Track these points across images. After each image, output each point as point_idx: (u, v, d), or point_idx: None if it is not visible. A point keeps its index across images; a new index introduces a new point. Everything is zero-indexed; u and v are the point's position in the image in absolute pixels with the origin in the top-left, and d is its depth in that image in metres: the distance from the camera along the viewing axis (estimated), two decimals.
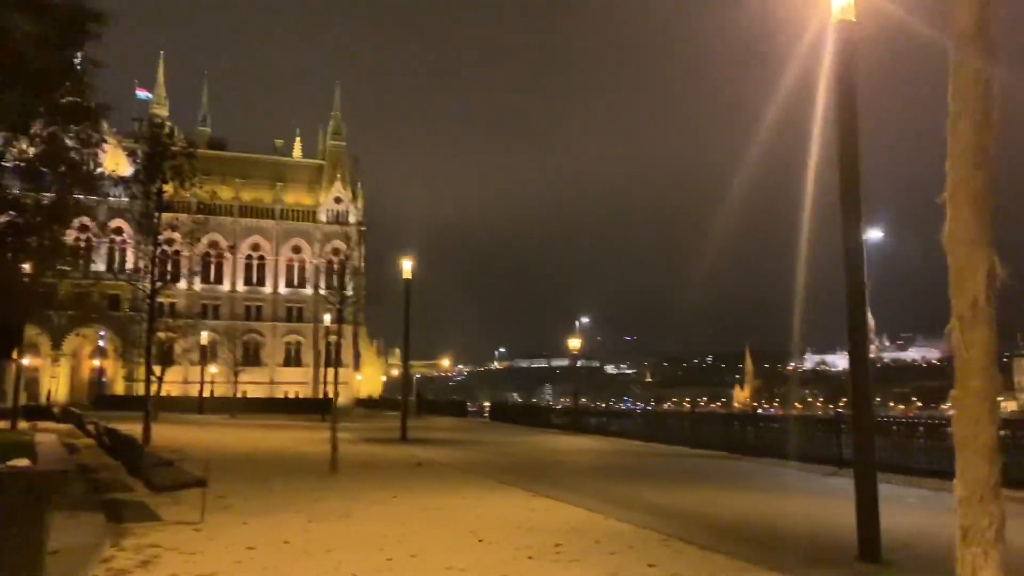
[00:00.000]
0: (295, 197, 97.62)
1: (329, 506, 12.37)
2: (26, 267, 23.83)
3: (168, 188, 25.07)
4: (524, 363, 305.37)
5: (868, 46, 10.53)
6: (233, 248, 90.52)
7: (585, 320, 76.60)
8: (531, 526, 10.82)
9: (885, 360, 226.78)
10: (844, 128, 9.27)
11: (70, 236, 25.41)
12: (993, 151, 2.53)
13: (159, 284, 25.53)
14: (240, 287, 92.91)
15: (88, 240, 76.83)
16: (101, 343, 79.76)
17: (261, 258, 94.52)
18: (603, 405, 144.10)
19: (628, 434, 33.41)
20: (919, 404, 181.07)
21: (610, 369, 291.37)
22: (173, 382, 72.33)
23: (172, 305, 77.28)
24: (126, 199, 27.58)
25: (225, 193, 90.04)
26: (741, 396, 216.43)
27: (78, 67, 16.50)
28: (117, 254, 79.67)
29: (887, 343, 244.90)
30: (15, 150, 15.56)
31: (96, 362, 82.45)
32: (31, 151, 15.71)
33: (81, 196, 22.04)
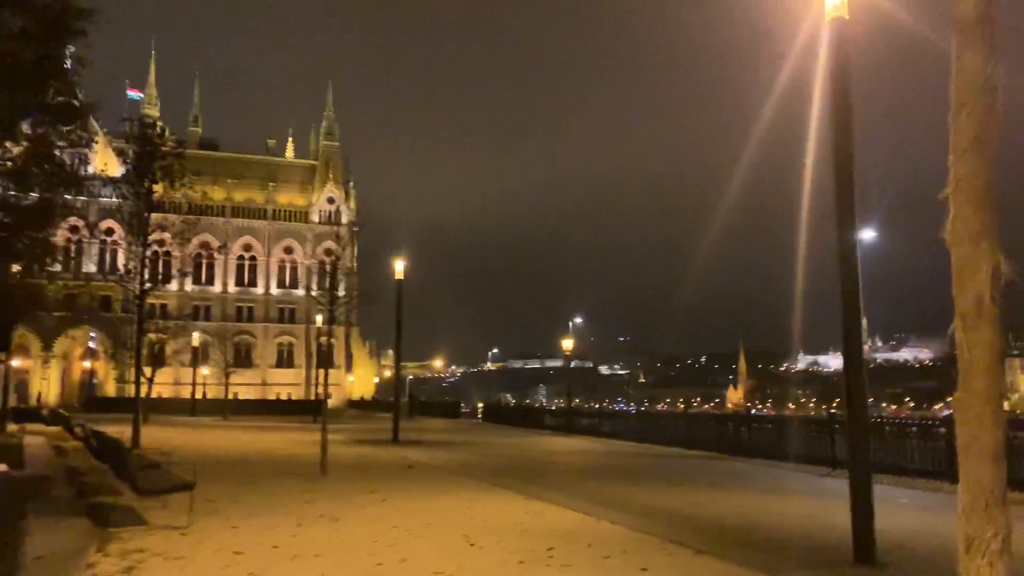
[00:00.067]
0: (287, 197, 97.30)
1: (319, 509, 12.24)
2: (14, 268, 23.63)
3: (158, 188, 24.88)
4: (517, 364, 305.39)
5: (862, 43, 10.46)
6: (223, 248, 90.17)
7: (578, 321, 76.63)
8: (523, 529, 10.70)
9: (878, 360, 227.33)
10: (839, 127, 9.18)
11: (60, 237, 25.24)
12: (996, 145, 2.44)
13: (149, 285, 25.32)
14: (232, 288, 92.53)
15: (79, 241, 76.68)
16: (92, 344, 79.39)
17: (253, 259, 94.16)
18: (597, 406, 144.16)
19: (621, 435, 33.31)
20: (911, 404, 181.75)
21: (604, 370, 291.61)
22: (164, 384, 72.04)
23: (163, 306, 77.08)
24: (117, 200, 27.38)
25: (216, 193, 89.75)
26: (734, 396, 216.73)
27: (67, 65, 16.34)
28: (108, 255, 79.47)
29: (879, 343, 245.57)
30: (0, 150, 15.38)
31: (87, 363, 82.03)
32: (15, 150, 15.53)
33: (69, 196, 21.88)
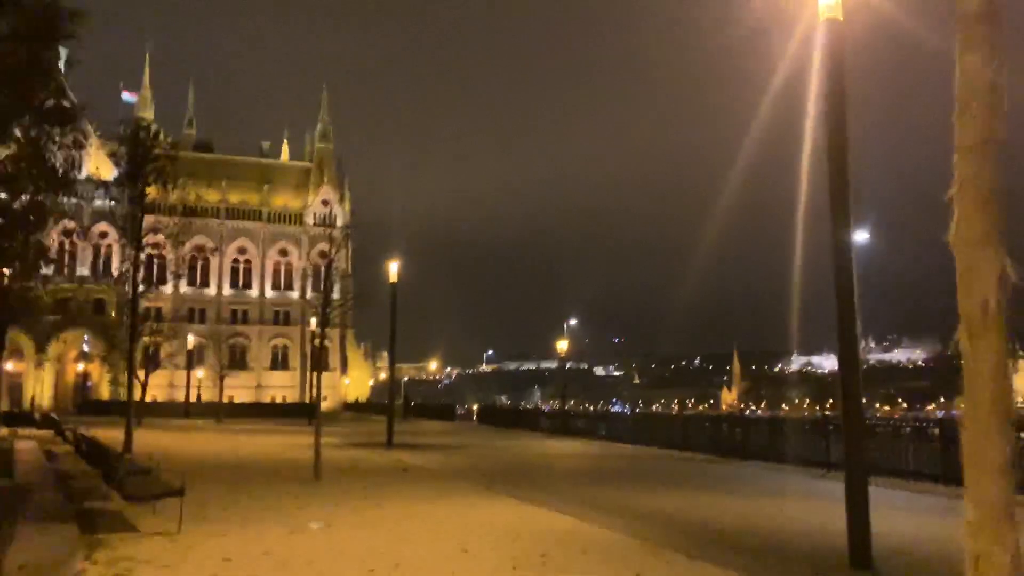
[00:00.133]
0: (282, 200, 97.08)
1: (312, 515, 12.11)
2: (6, 271, 23.48)
3: (151, 191, 24.74)
4: (512, 365, 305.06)
5: (857, 43, 10.40)
6: (216, 251, 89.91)
7: (573, 322, 76.54)
8: (517, 535, 10.60)
9: (871, 362, 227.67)
10: (834, 128, 9.11)
11: (54, 240, 25.13)
12: (1003, 143, 2.35)
13: (142, 288, 25.18)
14: (226, 290, 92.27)
15: (73, 244, 76.42)
16: (85, 347, 79.04)
17: (248, 261, 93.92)
18: (592, 407, 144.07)
19: (616, 437, 33.25)
20: (905, 405, 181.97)
21: (599, 371, 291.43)
22: (159, 387, 71.70)
23: (157, 309, 76.78)
24: (111, 202, 27.25)
25: (211, 196, 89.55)
26: (729, 398, 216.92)
27: (61, 67, 16.20)
28: (102, 258, 79.17)
29: (872, 345, 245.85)
30: None
31: (81, 366, 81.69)
32: (4, 153, 15.38)
33: (63, 199, 21.74)
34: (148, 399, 56.81)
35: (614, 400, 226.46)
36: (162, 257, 33.25)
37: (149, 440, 27.55)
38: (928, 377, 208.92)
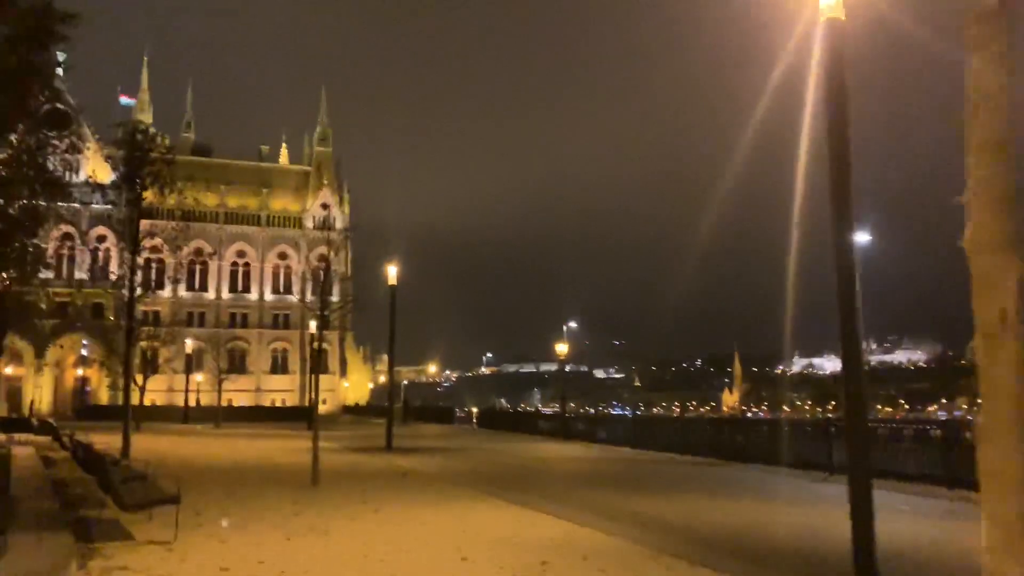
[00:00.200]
0: (281, 203, 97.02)
1: (308, 521, 11.99)
2: (5, 276, 23.35)
3: (148, 195, 24.61)
4: (512, 368, 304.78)
5: (858, 44, 10.29)
6: (215, 255, 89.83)
7: (573, 324, 76.45)
8: (517, 542, 10.48)
9: (872, 363, 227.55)
10: (834, 128, 8.99)
11: (52, 244, 25.05)
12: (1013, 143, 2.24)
13: (139, 292, 25.06)
14: (225, 294, 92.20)
15: (72, 248, 76.33)
16: (84, 352, 78.94)
17: (247, 265, 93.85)
18: (592, 410, 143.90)
19: (617, 440, 33.11)
20: (906, 406, 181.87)
21: (599, 373, 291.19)
22: (158, 391, 71.63)
23: (156, 313, 76.67)
24: (109, 206, 27.11)
25: (210, 199, 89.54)
26: (730, 400, 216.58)
27: (58, 72, 16.09)
28: (100, 262, 79.04)
29: (873, 346, 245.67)
30: None
31: (80, 371, 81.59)
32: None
33: (62, 204, 21.60)
34: (147, 403, 56.72)
35: (614, 403, 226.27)
36: (161, 261, 33.15)
37: (147, 445, 27.43)
38: (929, 378, 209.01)
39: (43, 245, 22.70)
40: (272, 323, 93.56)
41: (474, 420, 62.30)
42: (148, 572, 8.52)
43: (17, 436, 33.09)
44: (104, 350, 65.06)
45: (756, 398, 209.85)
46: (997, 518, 2.14)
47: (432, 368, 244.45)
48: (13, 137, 15.96)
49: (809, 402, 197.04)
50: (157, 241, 26.69)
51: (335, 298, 77.07)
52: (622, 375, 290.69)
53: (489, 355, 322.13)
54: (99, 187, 24.96)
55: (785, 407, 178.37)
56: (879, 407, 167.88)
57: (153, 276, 28.43)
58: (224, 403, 65.03)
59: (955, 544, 11.43)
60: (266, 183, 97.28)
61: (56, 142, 17.46)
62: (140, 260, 25.26)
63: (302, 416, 58.27)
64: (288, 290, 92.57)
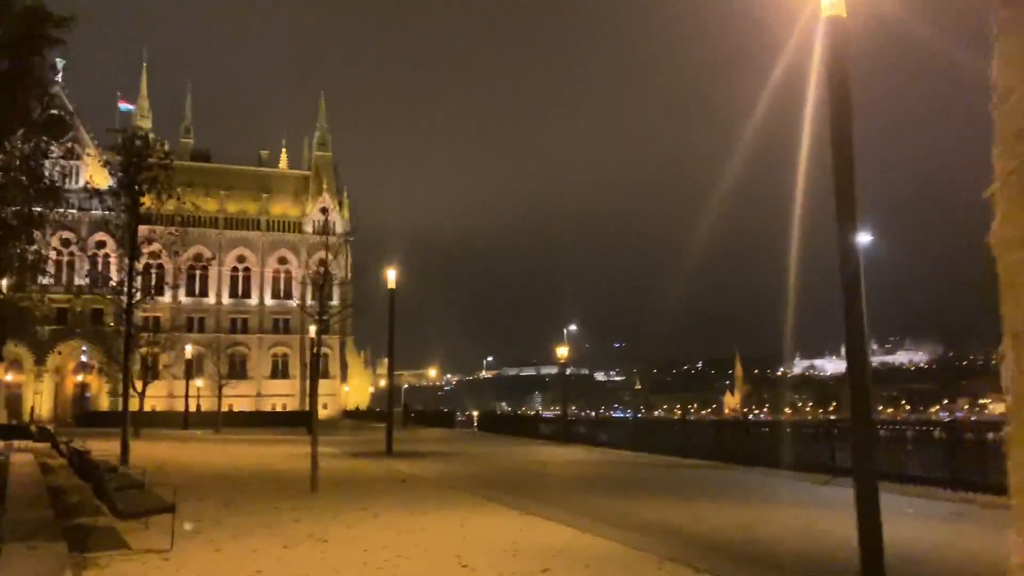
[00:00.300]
0: (281, 208, 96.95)
1: (307, 529, 11.86)
2: (4, 282, 23.25)
3: (146, 200, 24.51)
4: (512, 371, 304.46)
5: (857, 41, 10.18)
6: (213, 260, 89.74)
7: (573, 327, 76.25)
8: (518, 548, 10.34)
9: (873, 363, 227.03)
10: (838, 127, 8.87)
11: (51, 250, 24.95)
12: None
13: (137, 298, 24.94)
14: (226, 299, 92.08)
15: (71, 254, 76.24)
16: (84, 358, 78.84)
17: (247, 270, 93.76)
18: (593, 413, 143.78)
19: (618, 443, 32.96)
20: (908, 407, 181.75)
21: (599, 376, 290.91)
22: (158, 397, 71.50)
23: (156, 318, 76.55)
24: (104, 212, 27.00)
25: (209, 205, 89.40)
26: (732, 402, 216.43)
27: (57, 78, 16.02)
28: (100, 268, 78.92)
29: (875, 347, 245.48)
30: None
31: (80, 378, 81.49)
32: None
33: (60, 209, 21.52)
34: (147, 409, 56.63)
35: (616, 405, 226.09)
36: (161, 267, 33.06)
37: (146, 451, 27.30)
38: (930, 379, 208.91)
39: (43, 252, 22.61)
40: (272, 328, 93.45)
41: (475, 424, 62.20)
42: None
43: (16, 443, 32.99)
44: (104, 356, 65.08)
45: (757, 400, 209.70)
46: None
47: (432, 372, 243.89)
48: (6, 142, 15.86)
49: (810, 404, 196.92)
50: (156, 247, 26.54)
51: (335, 302, 77.09)
52: (623, 378, 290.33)
53: (490, 358, 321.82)
54: (96, 193, 24.85)
55: (787, 409, 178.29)
56: (881, 408, 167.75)
57: (153, 281, 28.24)
58: (225, 408, 64.90)
59: (960, 547, 11.30)
60: (266, 188, 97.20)
61: (53, 148, 17.37)
62: (139, 266, 25.15)
63: (303, 421, 58.13)
64: (288, 295, 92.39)
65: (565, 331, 61.29)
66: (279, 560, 9.58)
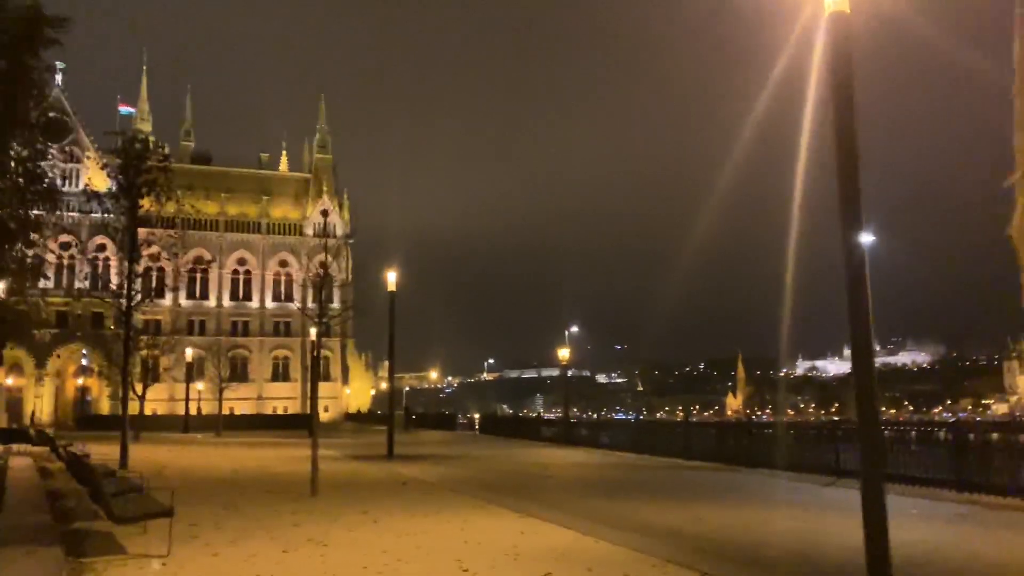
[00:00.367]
0: (281, 211, 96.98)
1: (306, 532, 11.74)
2: (3, 286, 23.17)
3: (145, 203, 24.42)
4: (514, 374, 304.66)
5: (860, 39, 10.08)
6: (214, 262, 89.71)
7: (575, 329, 76.15)
8: (519, 552, 10.22)
9: (876, 365, 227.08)
10: (841, 126, 8.76)
11: (51, 253, 24.85)
12: None
13: (136, 301, 24.84)
14: (226, 302, 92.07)
15: (72, 257, 76.19)
16: (84, 362, 78.83)
17: (247, 272, 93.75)
18: (595, 415, 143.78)
19: (620, 446, 32.84)
20: (910, 408, 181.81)
21: (601, 378, 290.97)
22: (159, 400, 71.50)
23: (156, 322, 76.53)
24: (103, 215, 26.91)
25: (210, 207, 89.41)
26: (734, 403, 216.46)
27: (57, 82, 15.94)
28: (100, 271, 78.94)
29: (877, 348, 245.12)
30: None
31: (80, 381, 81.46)
32: None
33: (59, 212, 21.40)
34: (148, 413, 56.63)
35: (617, 407, 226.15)
36: (161, 269, 32.98)
37: (146, 455, 27.22)
38: (933, 380, 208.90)
39: (43, 256, 22.51)
40: (273, 331, 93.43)
41: (476, 426, 62.10)
42: None
43: (15, 447, 32.92)
44: (104, 360, 65.06)
45: (760, 401, 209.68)
46: None
47: (434, 374, 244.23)
48: (4, 145, 15.76)
49: (813, 405, 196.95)
50: (156, 249, 26.45)
51: (335, 304, 76.98)
52: (624, 380, 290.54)
53: (491, 361, 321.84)
54: (95, 195, 24.78)
55: (789, 410, 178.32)
56: (883, 409, 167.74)
57: (153, 284, 28.14)
58: (225, 411, 64.82)
59: (965, 548, 11.19)
60: (266, 190, 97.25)
61: (52, 151, 17.28)
62: (139, 268, 25.06)
63: (304, 424, 58.03)
64: (289, 297, 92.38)
65: (566, 333, 61.21)
66: (278, 564, 9.47)
